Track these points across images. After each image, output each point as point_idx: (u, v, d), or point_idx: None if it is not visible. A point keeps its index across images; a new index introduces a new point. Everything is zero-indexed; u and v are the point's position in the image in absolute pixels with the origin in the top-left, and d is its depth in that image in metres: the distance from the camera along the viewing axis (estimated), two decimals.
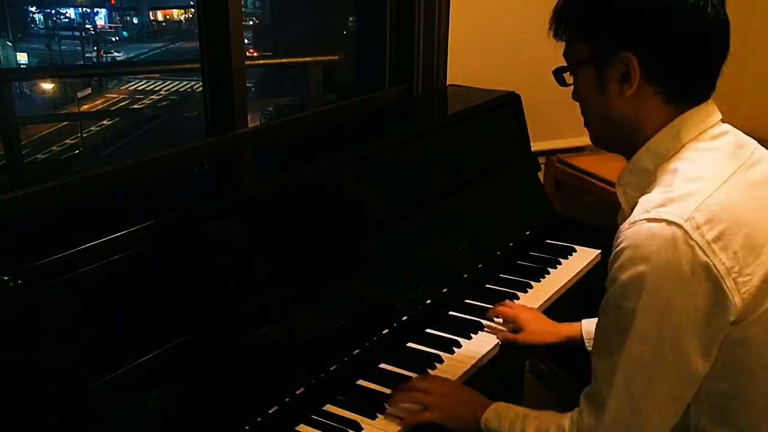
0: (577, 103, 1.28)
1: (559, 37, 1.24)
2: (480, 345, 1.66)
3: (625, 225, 1.13)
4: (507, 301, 1.79)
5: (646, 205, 1.13)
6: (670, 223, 1.08)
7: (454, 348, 1.63)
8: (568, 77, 1.26)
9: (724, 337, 1.12)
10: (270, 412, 1.37)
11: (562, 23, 1.23)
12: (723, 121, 1.23)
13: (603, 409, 1.17)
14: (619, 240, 1.13)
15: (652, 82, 1.17)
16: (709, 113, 1.20)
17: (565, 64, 1.25)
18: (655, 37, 1.15)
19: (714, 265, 1.08)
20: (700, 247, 1.07)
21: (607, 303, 1.16)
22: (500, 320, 1.73)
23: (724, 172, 1.15)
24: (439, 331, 1.70)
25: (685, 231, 1.07)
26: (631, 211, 1.15)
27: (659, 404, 1.14)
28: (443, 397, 1.42)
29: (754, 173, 1.19)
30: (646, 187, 1.19)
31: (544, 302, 1.85)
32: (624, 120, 1.21)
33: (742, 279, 1.09)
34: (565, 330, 1.70)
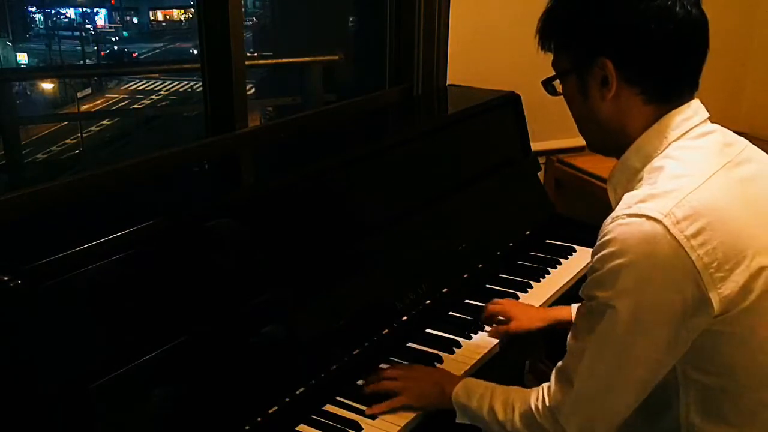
0: None
1: (545, 49, 1.28)
2: (480, 345, 1.66)
3: (608, 220, 1.16)
4: (495, 299, 1.80)
5: (629, 200, 1.15)
6: (649, 218, 1.10)
7: (454, 348, 1.63)
8: (558, 86, 1.30)
9: (708, 331, 1.13)
10: (270, 412, 1.37)
11: (545, 36, 1.27)
12: (724, 120, 1.24)
13: (570, 385, 1.21)
14: (601, 234, 1.16)
15: (631, 84, 1.20)
16: (695, 112, 1.22)
17: (553, 74, 1.29)
18: (625, 40, 1.18)
19: (692, 260, 1.09)
20: (679, 242, 1.09)
21: (585, 292, 1.19)
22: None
23: (708, 169, 1.16)
24: (439, 331, 1.70)
25: (665, 226, 1.09)
26: None
27: (623, 387, 1.18)
28: (412, 379, 1.47)
29: (740, 171, 1.20)
30: (634, 185, 1.21)
31: (544, 302, 1.85)
32: (610, 123, 1.24)
33: (719, 275, 1.10)
34: (552, 313, 1.73)
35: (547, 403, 1.24)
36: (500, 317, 1.73)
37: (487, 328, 1.72)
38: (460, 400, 1.38)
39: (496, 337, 1.70)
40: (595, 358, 1.18)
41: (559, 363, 1.25)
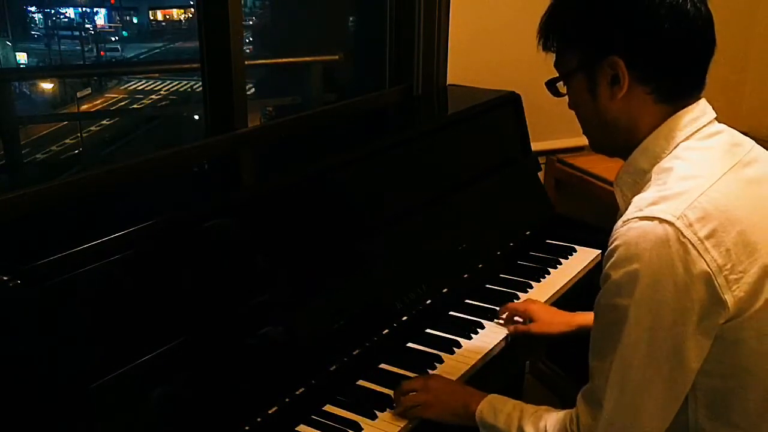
0: None
1: (548, 49, 1.26)
2: (480, 345, 1.66)
3: (619, 223, 1.14)
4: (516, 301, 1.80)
5: (640, 203, 1.14)
6: (662, 221, 1.09)
7: (454, 348, 1.63)
8: (562, 87, 1.28)
9: (718, 335, 1.13)
10: (270, 412, 1.37)
11: (549, 35, 1.25)
12: (725, 120, 1.24)
13: (600, 408, 1.17)
14: (612, 238, 1.14)
15: (642, 83, 1.19)
16: (703, 112, 1.21)
17: (557, 75, 1.27)
18: (638, 39, 1.17)
19: (706, 262, 1.08)
20: (692, 245, 1.08)
21: (601, 302, 1.17)
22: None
23: (718, 170, 1.16)
24: (439, 331, 1.70)
25: (677, 228, 1.08)
26: None
27: (654, 401, 1.15)
28: (436, 392, 1.43)
29: (749, 172, 1.19)
30: (642, 186, 1.20)
31: (545, 302, 1.85)
32: (618, 123, 1.22)
33: (734, 276, 1.10)
34: (577, 319, 1.70)
35: (581, 429, 1.20)
36: (519, 317, 1.72)
37: (498, 321, 1.72)
38: (485, 419, 1.33)
39: (514, 334, 1.69)
40: (621, 376, 1.14)
41: (584, 387, 1.22)
